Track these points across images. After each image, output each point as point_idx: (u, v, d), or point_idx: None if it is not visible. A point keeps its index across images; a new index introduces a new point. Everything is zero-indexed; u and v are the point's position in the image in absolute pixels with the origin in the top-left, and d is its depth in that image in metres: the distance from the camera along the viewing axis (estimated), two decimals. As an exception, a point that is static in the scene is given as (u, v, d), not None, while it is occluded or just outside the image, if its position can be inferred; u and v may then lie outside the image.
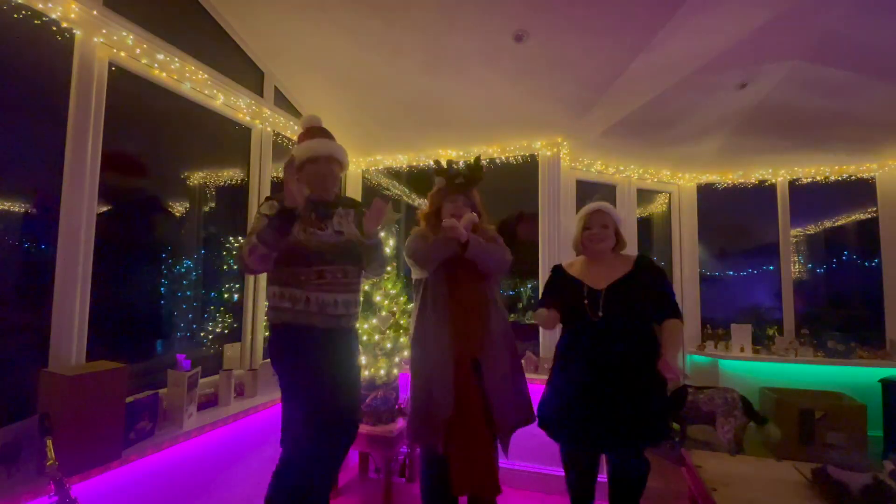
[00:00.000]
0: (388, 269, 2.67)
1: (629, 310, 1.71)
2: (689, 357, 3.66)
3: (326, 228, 1.69)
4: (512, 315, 3.17)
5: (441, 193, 1.91)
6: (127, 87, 1.86)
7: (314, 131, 1.79)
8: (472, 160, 1.95)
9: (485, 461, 1.70)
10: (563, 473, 1.91)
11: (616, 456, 1.80)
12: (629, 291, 1.72)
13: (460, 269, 1.82)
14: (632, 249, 3.47)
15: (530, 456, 2.56)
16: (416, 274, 1.92)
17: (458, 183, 1.88)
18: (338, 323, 1.66)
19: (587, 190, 3.47)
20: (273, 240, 1.52)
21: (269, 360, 1.81)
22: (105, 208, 1.79)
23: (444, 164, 1.94)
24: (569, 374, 1.77)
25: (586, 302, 1.74)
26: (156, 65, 1.93)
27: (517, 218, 3.41)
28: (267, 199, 1.74)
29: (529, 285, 3.71)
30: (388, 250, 2.75)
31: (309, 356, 1.62)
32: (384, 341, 2.71)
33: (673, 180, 3.77)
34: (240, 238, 2.50)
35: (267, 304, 1.78)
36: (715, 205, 3.80)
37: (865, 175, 3.45)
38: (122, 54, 1.80)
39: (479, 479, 1.68)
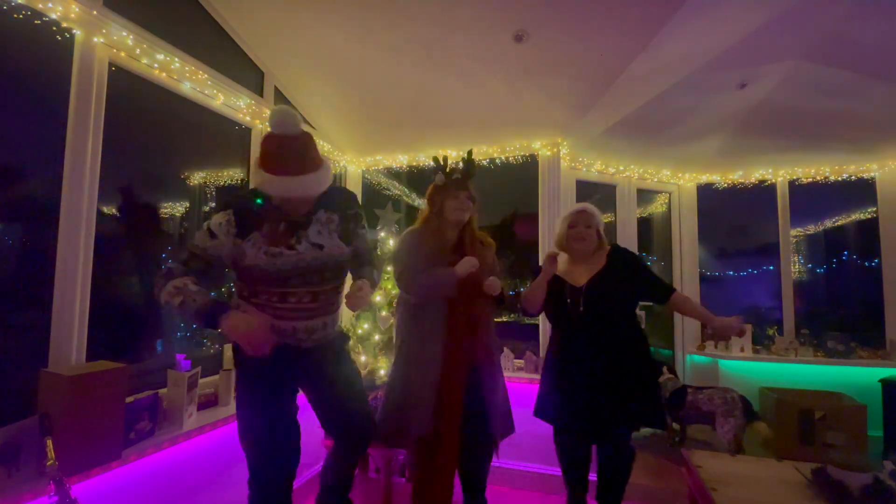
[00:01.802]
0: (388, 268, 2.66)
1: (609, 302, 1.78)
2: (689, 357, 3.67)
3: (300, 243, 1.40)
4: (512, 315, 3.17)
5: (441, 191, 1.87)
6: (127, 86, 1.86)
7: (272, 156, 1.30)
8: (466, 155, 1.92)
9: (443, 483, 1.71)
10: (562, 473, 1.94)
11: (605, 445, 1.86)
12: (607, 284, 1.79)
13: (463, 286, 1.78)
14: (632, 249, 3.50)
15: (530, 456, 2.56)
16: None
17: (456, 178, 1.87)
18: (299, 345, 1.47)
19: (587, 190, 3.47)
20: (191, 322, 1.38)
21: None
22: (105, 208, 1.79)
23: (441, 160, 1.91)
24: (561, 368, 1.84)
25: (569, 300, 1.83)
26: (156, 65, 1.92)
27: (512, 218, 3.39)
28: (226, 203, 1.40)
29: (529, 286, 3.70)
30: (387, 248, 2.76)
31: (259, 372, 1.44)
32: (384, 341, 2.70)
33: (673, 180, 3.77)
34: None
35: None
36: (715, 205, 3.79)
37: (865, 175, 3.45)
38: (122, 54, 1.80)
39: (434, 498, 1.72)
